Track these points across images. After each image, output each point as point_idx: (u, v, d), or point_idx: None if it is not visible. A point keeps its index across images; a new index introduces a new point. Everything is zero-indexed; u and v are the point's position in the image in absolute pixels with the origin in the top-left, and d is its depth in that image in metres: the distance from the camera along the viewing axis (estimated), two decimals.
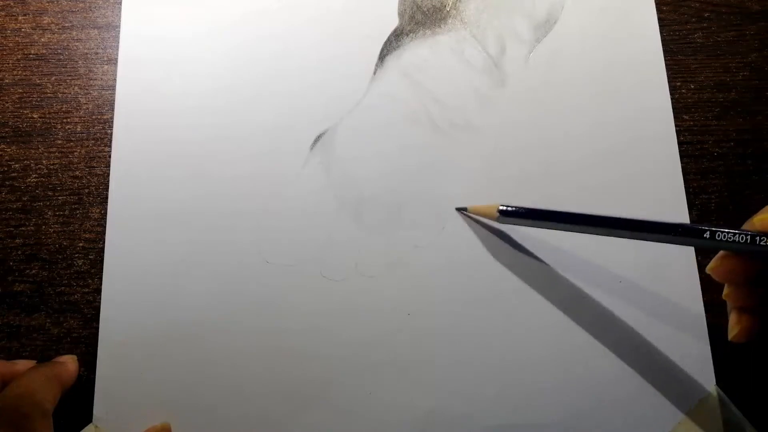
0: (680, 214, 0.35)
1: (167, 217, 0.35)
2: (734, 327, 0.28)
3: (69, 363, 0.32)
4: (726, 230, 0.26)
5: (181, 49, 0.38)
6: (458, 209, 0.35)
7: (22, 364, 0.32)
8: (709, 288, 0.34)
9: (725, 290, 0.28)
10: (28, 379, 0.29)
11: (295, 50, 0.38)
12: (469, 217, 0.35)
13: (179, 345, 0.33)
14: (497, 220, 0.33)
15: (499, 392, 0.33)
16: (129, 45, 0.38)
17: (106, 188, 0.36)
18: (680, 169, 0.36)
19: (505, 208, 0.32)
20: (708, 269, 0.28)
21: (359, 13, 0.38)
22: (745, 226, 0.27)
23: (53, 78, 0.38)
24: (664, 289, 0.34)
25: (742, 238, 0.26)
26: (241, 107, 0.37)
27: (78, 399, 0.33)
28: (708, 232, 0.27)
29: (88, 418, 0.32)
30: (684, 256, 0.34)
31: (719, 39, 0.38)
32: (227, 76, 0.37)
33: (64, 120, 0.37)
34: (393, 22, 0.38)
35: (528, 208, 0.32)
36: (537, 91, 0.37)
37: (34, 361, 0.33)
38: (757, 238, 0.26)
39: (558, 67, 0.37)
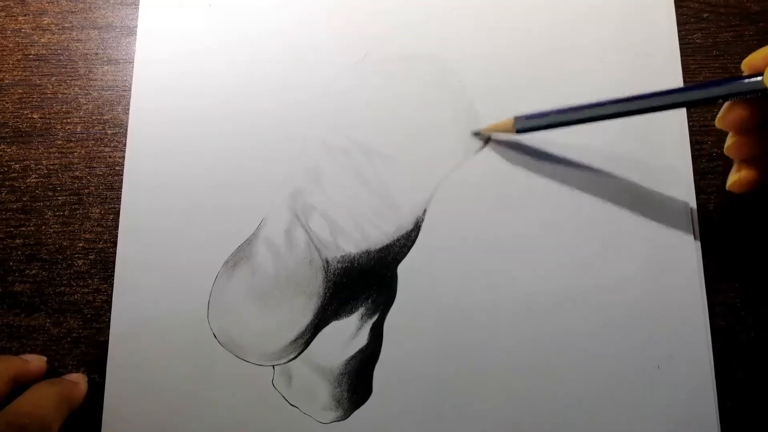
0: (681, 214, 0.35)
1: (179, 220, 0.35)
2: (733, 176, 0.30)
3: (80, 383, 0.32)
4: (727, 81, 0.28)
5: (195, 51, 0.37)
6: (474, 133, 0.36)
7: (35, 364, 0.32)
8: (710, 288, 0.34)
9: (728, 142, 0.30)
10: (39, 396, 0.29)
11: (305, 50, 0.37)
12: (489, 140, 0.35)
13: (190, 354, 0.33)
14: (516, 131, 0.34)
15: (498, 392, 0.33)
16: (145, 46, 0.37)
17: (107, 188, 0.36)
18: (691, 169, 0.35)
19: (521, 116, 0.33)
20: (717, 120, 0.29)
21: (360, 12, 0.38)
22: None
23: (53, 78, 0.38)
24: (664, 289, 0.34)
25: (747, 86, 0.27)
26: (249, 109, 0.36)
27: (86, 409, 0.32)
28: (720, 98, 0.28)
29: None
30: (685, 255, 0.34)
31: (718, 39, 0.38)
32: (241, 78, 0.37)
33: (64, 120, 0.37)
34: (398, 22, 0.38)
35: (541, 112, 0.33)
36: (537, 91, 0.37)
37: (45, 358, 0.32)
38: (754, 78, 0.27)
39: (560, 66, 0.37)
